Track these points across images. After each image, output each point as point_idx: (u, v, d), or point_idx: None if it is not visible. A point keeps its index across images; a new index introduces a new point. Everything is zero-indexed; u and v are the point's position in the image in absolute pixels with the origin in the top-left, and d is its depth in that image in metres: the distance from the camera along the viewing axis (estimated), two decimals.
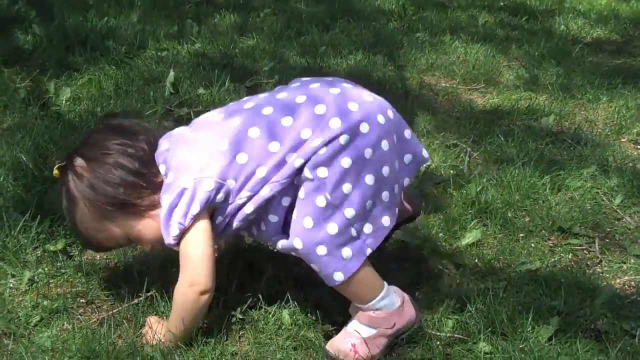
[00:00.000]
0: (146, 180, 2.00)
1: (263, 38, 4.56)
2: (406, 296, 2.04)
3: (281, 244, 1.93)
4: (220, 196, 1.91)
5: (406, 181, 2.02)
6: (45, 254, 2.36)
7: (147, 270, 2.27)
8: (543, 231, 2.61)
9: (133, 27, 4.50)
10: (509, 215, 2.69)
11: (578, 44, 4.84)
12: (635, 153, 3.31)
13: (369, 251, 1.91)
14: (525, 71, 4.28)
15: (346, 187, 1.86)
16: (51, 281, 2.25)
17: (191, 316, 1.95)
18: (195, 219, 1.89)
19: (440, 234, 2.55)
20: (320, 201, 1.85)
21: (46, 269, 2.28)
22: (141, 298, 2.15)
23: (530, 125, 3.49)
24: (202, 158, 1.92)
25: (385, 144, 1.91)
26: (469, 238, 2.52)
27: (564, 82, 4.09)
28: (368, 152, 1.88)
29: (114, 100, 3.45)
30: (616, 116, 3.65)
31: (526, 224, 2.65)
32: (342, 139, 1.85)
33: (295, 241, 1.88)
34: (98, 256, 2.38)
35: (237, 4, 5.24)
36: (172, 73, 3.64)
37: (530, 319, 2.06)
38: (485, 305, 2.13)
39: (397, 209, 1.98)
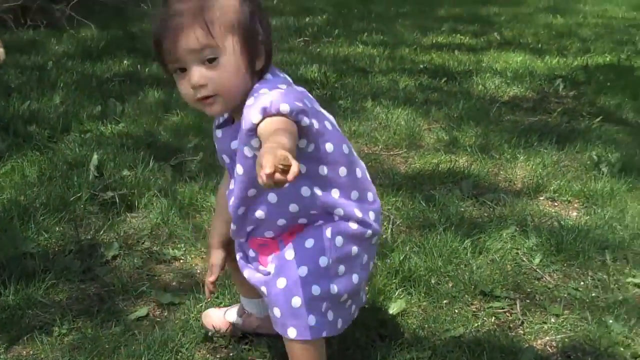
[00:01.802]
0: (268, 58, 1.91)
1: (187, 114, 4.57)
2: None
3: (262, 272, 1.98)
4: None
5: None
6: None
7: None
8: (466, 296, 2.67)
9: (56, 110, 4.52)
10: (433, 282, 2.74)
11: (495, 103, 5.01)
12: (552, 211, 3.41)
13: (324, 334, 1.94)
14: (445, 134, 4.39)
15: (341, 269, 1.94)
16: None
17: None
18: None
19: (366, 306, 2.57)
20: (323, 262, 1.91)
21: None
22: None
23: (451, 189, 3.58)
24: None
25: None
26: (394, 308, 2.55)
27: (483, 142, 4.21)
28: (365, 258, 2.03)
29: (37, 187, 3.42)
30: (533, 174, 3.77)
31: (450, 289, 2.70)
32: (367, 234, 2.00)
33: (279, 280, 1.89)
34: (25, 352, 2.36)
35: (160, 79, 5.28)
36: (95, 156, 3.64)
37: None
38: None
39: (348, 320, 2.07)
